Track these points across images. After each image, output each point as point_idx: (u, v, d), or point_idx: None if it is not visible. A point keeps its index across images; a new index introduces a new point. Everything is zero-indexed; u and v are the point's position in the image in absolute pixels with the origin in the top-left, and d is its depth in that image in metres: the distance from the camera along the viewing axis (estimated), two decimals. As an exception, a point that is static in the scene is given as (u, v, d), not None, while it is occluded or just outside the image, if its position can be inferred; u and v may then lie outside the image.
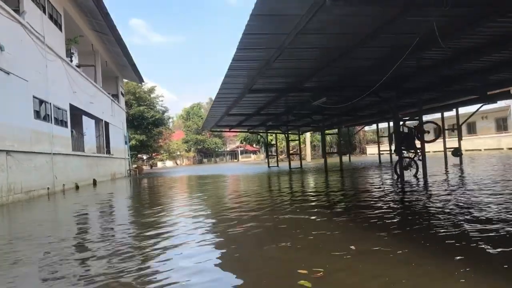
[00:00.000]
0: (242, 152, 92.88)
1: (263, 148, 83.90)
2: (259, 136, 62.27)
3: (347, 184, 10.69)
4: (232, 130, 24.24)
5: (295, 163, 26.04)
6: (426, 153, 10.64)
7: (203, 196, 10.11)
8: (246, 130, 25.34)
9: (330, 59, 8.46)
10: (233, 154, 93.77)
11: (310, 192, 9.72)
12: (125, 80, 29.96)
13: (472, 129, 37.87)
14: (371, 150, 47.50)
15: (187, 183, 16.91)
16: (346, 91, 11.44)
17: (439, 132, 11.76)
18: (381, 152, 25.29)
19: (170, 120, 45.08)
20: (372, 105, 15.70)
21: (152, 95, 42.65)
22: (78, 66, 18.72)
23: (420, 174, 10.57)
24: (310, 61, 8.70)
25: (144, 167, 68.42)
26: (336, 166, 20.34)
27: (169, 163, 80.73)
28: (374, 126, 28.91)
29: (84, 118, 19.54)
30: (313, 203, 7.28)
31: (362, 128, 33.95)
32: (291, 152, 43.04)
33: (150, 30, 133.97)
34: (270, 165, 26.90)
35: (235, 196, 9.73)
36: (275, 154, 51.08)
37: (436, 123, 11.69)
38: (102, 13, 17.95)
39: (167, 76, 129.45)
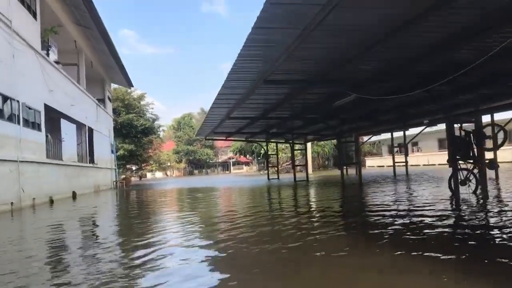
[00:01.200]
0: (234, 164, 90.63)
1: (256, 159, 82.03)
2: (253, 146, 60.49)
3: (388, 203, 8.48)
4: (229, 138, 22.03)
5: (296, 175, 23.88)
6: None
7: (200, 222, 7.85)
8: (244, 139, 23.12)
9: (370, 44, 6.43)
10: (225, 166, 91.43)
11: (345, 213, 7.52)
12: (113, 86, 27.63)
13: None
14: (371, 162, 45.53)
15: (179, 197, 14.61)
16: (388, 83, 9.16)
17: (505, 136, 9.62)
18: (381, 165, 23.19)
19: (161, 129, 42.69)
20: (413, 104, 13.14)
21: (142, 102, 40.26)
22: (57, 62, 16.42)
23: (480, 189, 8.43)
24: (343, 47, 6.66)
25: (132, 178, 65.93)
26: (347, 179, 18.25)
27: (159, 174, 78.06)
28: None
29: (63, 122, 17.11)
30: (363, 232, 5.09)
31: (370, 138, 31.69)
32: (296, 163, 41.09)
33: (139, 41, 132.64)
34: (270, 177, 24.66)
35: (239, 216, 7.49)
36: (272, 165, 49.28)
37: (501, 126, 9.51)
38: (85, 2, 15.76)
39: (157, 87, 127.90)
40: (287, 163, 42.19)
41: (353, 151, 55.75)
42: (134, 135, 38.83)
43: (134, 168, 63.01)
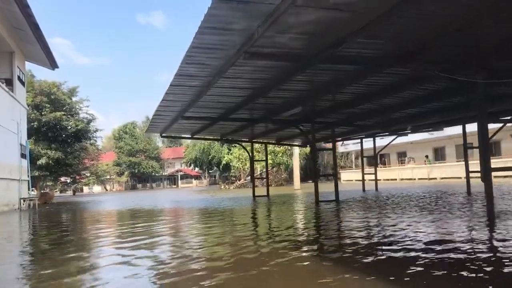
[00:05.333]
0: (182, 177, 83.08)
1: (207, 172, 75.06)
2: (210, 156, 53.55)
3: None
4: (196, 137, 15.64)
5: (260, 191, 17.86)
6: None
7: None
8: (217, 138, 16.78)
9: None
10: (172, 179, 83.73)
11: None
12: (31, 65, 20.11)
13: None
14: (346, 175, 40.64)
15: (114, 226, 8.13)
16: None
17: None
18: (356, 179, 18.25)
19: (98, 133, 34.73)
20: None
21: (73, 99, 32.26)
22: None
23: None
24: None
25: (62, 193, 56.35)
26: (349, 195, 12.78)
27: (97, 188, 68.62)
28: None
29: None
30: None
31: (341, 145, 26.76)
32: (257, 176, 34.79)
33: (74, 50, 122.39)
34: (255, 195, 16.35)
35: None
36: (236, 178, 42.61)
37: None
38: None
39: (95, 97, 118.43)
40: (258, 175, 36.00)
41: (321, 163, 49.84)
42: (64, 140, 30.85)
43: (68, 181, 53.72)
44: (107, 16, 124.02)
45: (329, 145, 22.06)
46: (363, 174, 18.10)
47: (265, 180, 35.02)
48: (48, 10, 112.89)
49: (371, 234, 5.34)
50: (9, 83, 16.71)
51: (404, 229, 5.57)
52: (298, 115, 11.22)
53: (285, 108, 9.91)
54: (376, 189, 17.75)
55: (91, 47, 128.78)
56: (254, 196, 16.15)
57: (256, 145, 37.17)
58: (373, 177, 18.31)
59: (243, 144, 17.79)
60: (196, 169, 69.72)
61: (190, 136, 15.48)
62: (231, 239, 5.48)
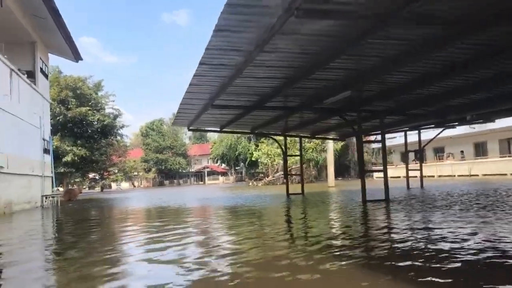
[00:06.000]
0: (209, 174, 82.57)
1: (233, 169, 73.99)
2: (237, 152, 52.38)
3: None
4: (225, 130, 14.42)
5: (292, 188, 16.41)
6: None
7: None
8: (248, 131, 15.54)
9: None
10: (199, 176, 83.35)
11: None
12: (57, 59, 19.38)
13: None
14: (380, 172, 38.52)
15: (141, 229, 6.95)
16: None
17: None
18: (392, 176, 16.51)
19: (125, 129, 34.10)
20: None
21: (100, 93, 31.68)
22: None
23: None
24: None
25: (91, 189, 56.46)
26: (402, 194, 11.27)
27: (125, 185, 68.91)
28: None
29: None
30: None
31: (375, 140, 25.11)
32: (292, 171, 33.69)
33: (101, 49, 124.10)
34: (289, 193, 14.90)
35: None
36: (264, 174, 41.22)
37: None
38: None
39: (123, 96, 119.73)
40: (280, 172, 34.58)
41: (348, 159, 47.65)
42: (90, 135, 30.34)
43: (97, 177, 53.77)
44: (133, 15, 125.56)
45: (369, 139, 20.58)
46: (408, 170, 16.51)
47: (294, 177, 34.00)
48: (74, 10, 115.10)
49: (458, 244, 3.93)
50: (31, 75, 15.96)
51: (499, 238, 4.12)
52: (341, 103, 9.81)
53: (330, 93, 8.52)
54: (422, 186, 16.10)
55: (117, 45, 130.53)
56: (288, 194, 14.80)
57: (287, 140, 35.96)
58: (410, 174, 16.64)
59: (276, 138, 16.49)
60: (223, 165, 68.93)
61: (219, 129, 14.27)
62: (278, 245, 4.19)
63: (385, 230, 5.57)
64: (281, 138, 16.38)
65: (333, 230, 5.95)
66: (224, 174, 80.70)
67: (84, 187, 43.30)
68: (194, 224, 7.47)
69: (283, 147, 15.25)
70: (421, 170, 16.51)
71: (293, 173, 26.70)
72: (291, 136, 15.71)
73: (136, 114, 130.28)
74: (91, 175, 51.08)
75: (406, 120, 12.44)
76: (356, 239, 4.96)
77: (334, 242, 4.71)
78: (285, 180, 33.58)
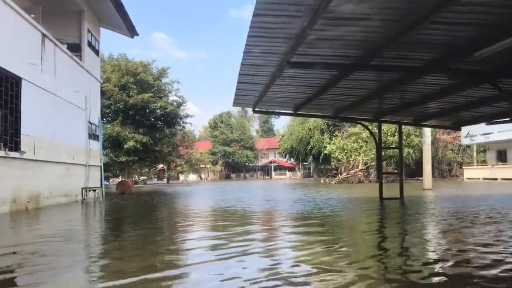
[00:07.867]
0: (275, 168, 79.79)
1: (301, 164, 70.13)
2: (310, 146, 48.23)
3: None
4: (300, 113, 11.04)
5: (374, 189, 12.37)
6: None
7: None
8: (329, 115, 12.01)
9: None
10: (265, 170, 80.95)
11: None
12: (107, 31, 17.28)
13: None
14: (470, 173, 32.98)
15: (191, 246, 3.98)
16: None
17: None
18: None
19: (190, 119, 32.03)
20: None
21: (163, 80, 29.74)
22: None
23: None
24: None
25: (151, 180, 56.08)
26: None
27: (192, 177, 68.44)
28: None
29: None
30: None
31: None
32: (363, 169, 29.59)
33: (171, 45, 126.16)
34: (383, 197, 11.23)
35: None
36: (338, 171, 37.06)
37: None
38: None
39: (191, 90, 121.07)
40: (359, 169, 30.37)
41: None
42: (152, 123, 28.58)
43: (165, 168, 53.31)
44: (201, 10, 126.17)
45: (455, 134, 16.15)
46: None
47: (373, 175, 29.46)
48: (145, 6, 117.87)
49: None
50: (76, 48, 13.86)
51: None
52: (496, 63, 6.00)
53: (478, 43, 4.82)
54: None
55: (186, 41, 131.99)
56: (381, 197, 11.06)
57: (364, 134, 31.39)
58: (496, 175, 12.07)
59: (365, 124, 12.84)
60: (291, 160, 65.71)
61: (292, 111, 10.96)
62: None
63: None
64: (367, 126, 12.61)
65: None
66: (291, 169, 77.59)
67: (147, 178, 42.24)
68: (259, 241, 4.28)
69: (375, 136, 11.57)
70: None
71: (385, 171, 22.45)
72: (387, 122, 11.92)
73: (205, 109, 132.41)
74: (159, 166, 50.58)
75: None
76: None
77: None
78: (363, 179, 29.88)
